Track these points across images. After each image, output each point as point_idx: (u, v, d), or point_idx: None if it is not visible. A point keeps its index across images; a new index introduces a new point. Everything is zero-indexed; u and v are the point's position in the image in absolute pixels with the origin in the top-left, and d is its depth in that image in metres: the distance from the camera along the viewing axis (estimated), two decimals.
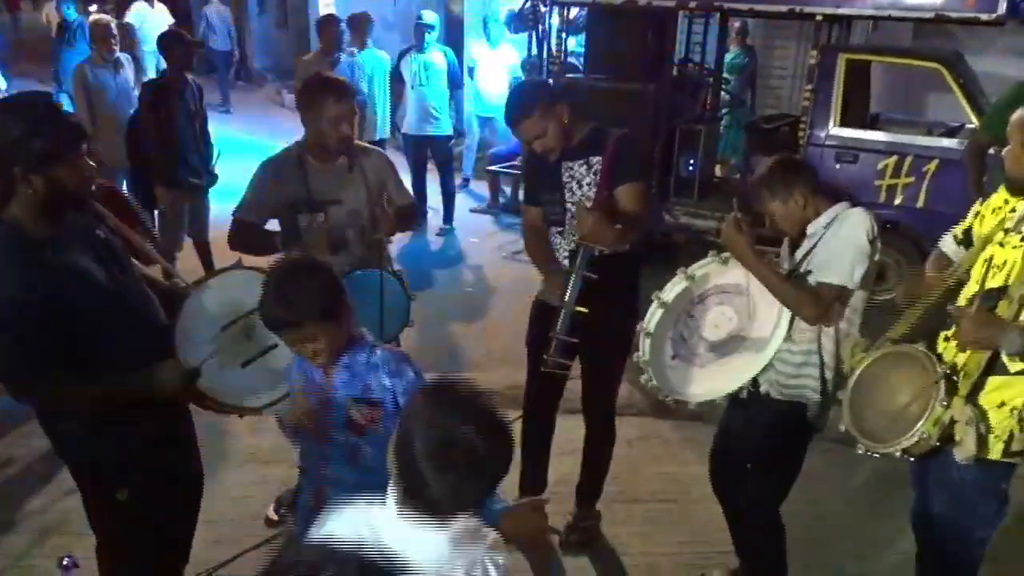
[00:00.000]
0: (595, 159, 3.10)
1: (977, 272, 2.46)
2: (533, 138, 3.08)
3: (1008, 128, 2.42)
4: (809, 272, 2.73)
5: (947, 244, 2.74)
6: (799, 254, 2.81)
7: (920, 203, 5.90)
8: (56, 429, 2.56)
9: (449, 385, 1.65)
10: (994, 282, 2.37)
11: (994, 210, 2.53)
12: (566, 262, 3.17)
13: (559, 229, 3.25)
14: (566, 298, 2.96)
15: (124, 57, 6.57)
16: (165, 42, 5.70)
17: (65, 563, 3.34)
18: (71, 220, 2.39)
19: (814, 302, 2.67)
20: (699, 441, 4.35)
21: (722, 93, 8.43)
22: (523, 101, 3.08)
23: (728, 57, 9.32)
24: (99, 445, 2.51)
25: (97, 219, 2.55)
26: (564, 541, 3.55)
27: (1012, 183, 2.44)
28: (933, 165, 5.83)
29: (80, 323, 2.33)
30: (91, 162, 2.37)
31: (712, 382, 2.89)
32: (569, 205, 3.16)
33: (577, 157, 3.13)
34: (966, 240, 2.69)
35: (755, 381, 2.90)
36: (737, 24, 9.22)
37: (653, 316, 2.77)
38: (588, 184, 3.11)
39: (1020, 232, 2.37)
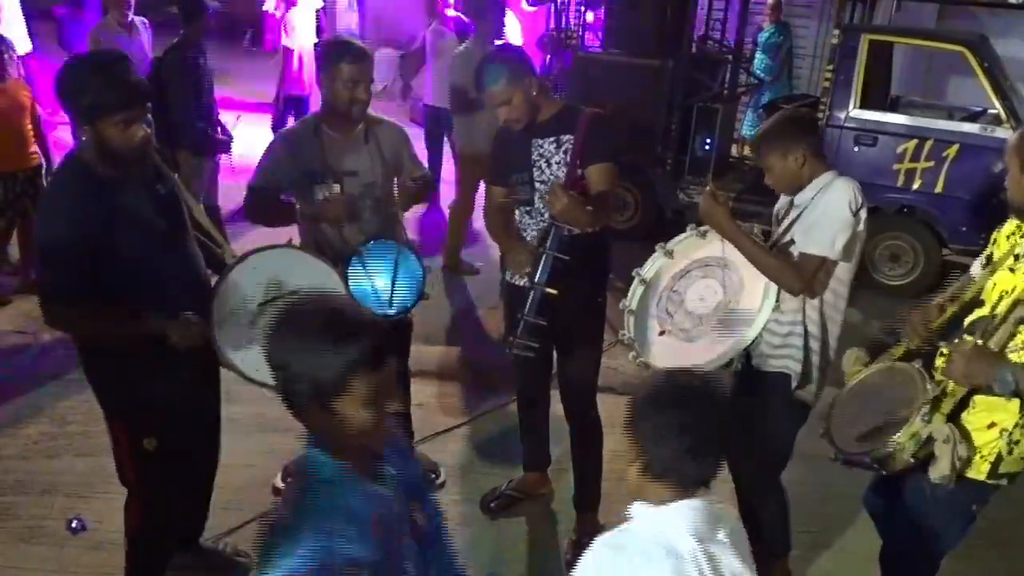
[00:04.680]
0: (565, 137, 3.02)
1: (989, 297, 2.41)
2: (498, 104, 3.01)
3: (1006, 156, 2.35)
4: (792, 242, 2.73)
5: (975, 268, 2.64)
6: (784, 224, 2.81)
7: (938, 188, 5.84)
8: (96, 375, 2.70)
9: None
10: (1001, 308, 2.31)
11: (1008, 236, 2.47)
12: (535, 242, 3.11)
13: (527, 208, 3.16)
14: (536, 279, 2.92)
15: (139, 21, 6.52)
16: (187, 6, 5.65)
17: (74, 525, 3.39)
18: (136, 172, 2.55)
19: (796, 273, 2.67)
20: None
21: (745, 71, 8.33)
22: (493, 66, 3.01)
23: (762, 36, 9.15)
24: (135, 393, 2.62)
25: (160, 177, 2.67)
26: (569, 561, 3.36)
27: (1016, 209, 2.38)
28: (953, 150, 5.76)
29: (122, 265, 2.48)
30: (143, 130, 2.49)
31: (702, 356, 2.87)
32: (538, 184, 3.09)
33: (547, 135, 3.05)
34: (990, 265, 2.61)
35: (747, 354, 2.90)
36: (771, 0, 9.05)
37: (635, 293, 2.77)
38: (558, 163, 3.04)
39: None
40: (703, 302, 2.82)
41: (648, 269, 2.76)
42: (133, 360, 2.56)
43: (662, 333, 2.85)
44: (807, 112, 3.03)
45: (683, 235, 2.77)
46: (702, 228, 2.76)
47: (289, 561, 1.45)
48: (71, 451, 3.92)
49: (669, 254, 2.74)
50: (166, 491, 2.81)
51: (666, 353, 2.85)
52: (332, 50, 3.18)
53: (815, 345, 2.80)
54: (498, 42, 5.73)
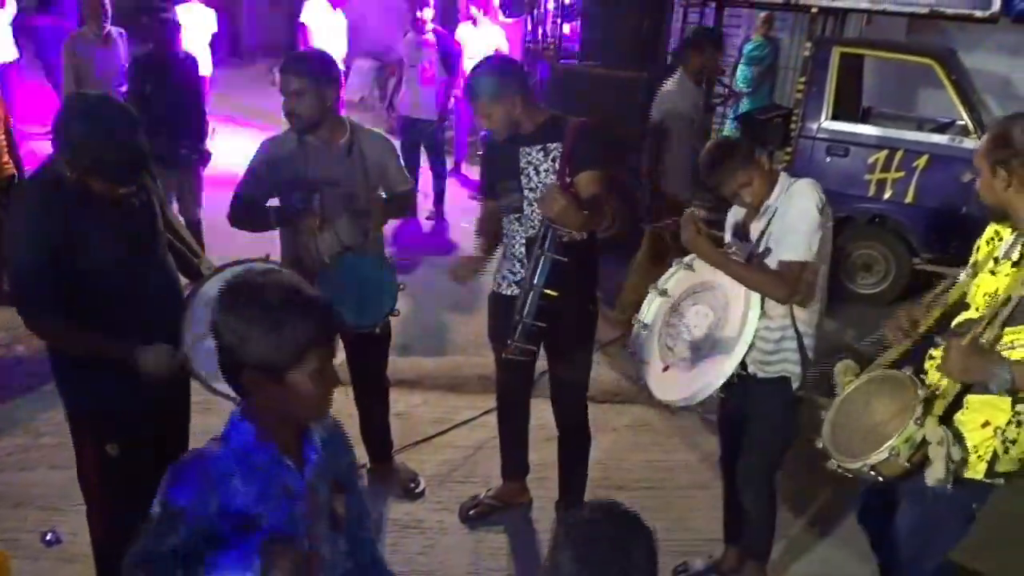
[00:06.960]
0: (552, 146, 3.06)
1: (974, 300, 2.46)
2: (480, 116, 3.11)
3: (976, 159, 2.43)
4: (768, 251, 2.79)
5: (961, 277, 2.66)
6: (754, 234, 2.87)
7: (909, 198, 5.93)
8: (63, 372, 2.67)
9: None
10: (986, 310, 2.35)
11: (987, 241, 2.54)
12: (523, 249, 3.17)
13: (517, 215, 3.20)
14: (534, 280, 2.94)
15: (116, 32, 6.48)
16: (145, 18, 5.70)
17: (48, 538, 3.35)
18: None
19: (782, 282, 2.73)
20: (686, 429, 4.40)
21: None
22: (477, 79, 3.07)
23: (748, 48, 9.23)
24: (99, 395, 2.58)
25: (139, 187, 2.64)
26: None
27: (990, 211, 2.46)
28: (923, 160, 5.85)
29: (93, 273, 2.46)
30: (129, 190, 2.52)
31: (705, 379, 2.90)
32: (526, 192, 3.13)
33: (535, 143, 3.09)
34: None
35: (743, 364, 2.93)
36: (763, 14, 9.14)
37: (638, 339, 2.82)
38: (545, 171, 3.08)
39: (1010, 259, 2.37)
40: (697, 329, 2.88)
41: (647, 312, 2.82)
42: (102, 360, 2.53)
43: (666, 369, 2.89)
44: (727, 140, 3.14)
45: (672, 271, 2.84)
46: (687, 260, 2.83)
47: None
48: (45, 463, 3.88)
49: (664, 293, 2.79)
50: (129, 502, 2.74)
51: (673, 386, 2.90)
52: (283, 61, 3.27)
53: (808, 342, 2.87)
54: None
